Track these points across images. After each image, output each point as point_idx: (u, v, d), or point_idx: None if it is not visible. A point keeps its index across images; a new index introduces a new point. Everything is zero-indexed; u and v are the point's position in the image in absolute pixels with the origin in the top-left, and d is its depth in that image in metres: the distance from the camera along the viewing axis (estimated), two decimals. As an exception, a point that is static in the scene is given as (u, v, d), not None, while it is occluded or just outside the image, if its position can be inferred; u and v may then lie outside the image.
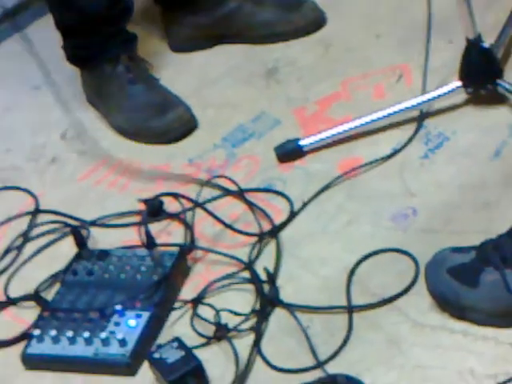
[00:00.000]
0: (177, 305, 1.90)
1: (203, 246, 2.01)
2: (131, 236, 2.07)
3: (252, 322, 1.81)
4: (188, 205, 2.10)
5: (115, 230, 2.12)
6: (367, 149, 2.12)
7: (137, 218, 2.10)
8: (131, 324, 1.84)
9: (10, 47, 2.84)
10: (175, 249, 1.97)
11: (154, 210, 2.08)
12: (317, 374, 1.67)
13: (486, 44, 2.08)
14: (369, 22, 2.46)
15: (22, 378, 1.87)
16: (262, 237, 1.98)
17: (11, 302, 2.02)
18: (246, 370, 1.73)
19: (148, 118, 2.34)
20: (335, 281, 1.84)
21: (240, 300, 1.87)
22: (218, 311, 1.83)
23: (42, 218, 2.21)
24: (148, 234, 1.97)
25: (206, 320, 1.84)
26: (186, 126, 2.33)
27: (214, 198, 2.11)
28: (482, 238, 1.71)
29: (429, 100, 2.13)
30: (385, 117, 2.13)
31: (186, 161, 2.25)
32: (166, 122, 2.32)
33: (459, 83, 2.10)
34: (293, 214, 2.03)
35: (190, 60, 2.55)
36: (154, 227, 2.04)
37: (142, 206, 2.11)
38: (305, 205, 2.04)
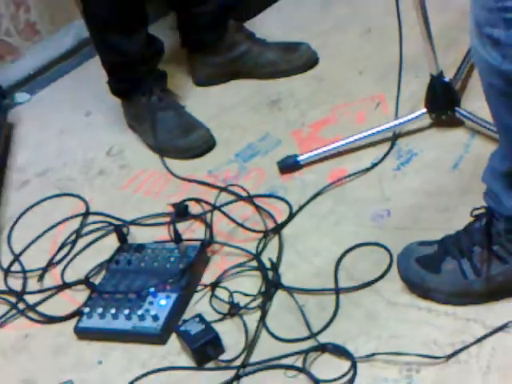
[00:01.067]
0: (199, 288, 1.90)
1: (220, 240, 2.00)
2: (162, 233, 2.06)
3: (258, 301, 1.81)
4: (208, 208, 2.09)
5: (149, 228, 2.12)
6: (351, 163, 2.11)
7: (167, 219, 2.09)
8: (162, 303, 1.84)
9: (66, 82, 2.85)
10: (197, 243, 1.96)
11: (181, 212, 2.07)
12: (310, 344, 1.68)
13: (447, 78, 2.08)
14: (353, 61, 2.46)
15: (75, 346, 1.87)
16: (266, 233, 1.98)
17: (66, 285, 2.02)
18: (254, 340, 1.73)
19: (175, 138, 2.33)
20: (325, 268, 1.84)
21: (249, 284, 1.87)
22: (231, 293, 1.83)
23: (91, 218, 2.21)
24: (176, 232, 1.97)
25: (221, 300, 1.84)
26: (206, 145, 2.32)
27: (229, 203, 2.10)
28: (443, 234, 1.71)
29: (400, 124, 2.12)
30: (365, 137, 2.13)
31: (206, 172, 2.24)
32: (190, 141, 2.31)
33: (425, 110, 2.09)
34: (292, 215, 2.02)
35: (209, 92, 2.55)
36: (181, 226, 2.03)
37: (170, 209, 2.11)
38: (301, 208, 2.03)
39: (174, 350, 1.78)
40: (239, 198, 2.10)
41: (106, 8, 2.30)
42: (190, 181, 2.21)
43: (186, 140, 2.32)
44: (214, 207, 2.08)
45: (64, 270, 2.07)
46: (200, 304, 1.87)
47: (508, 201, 1.56)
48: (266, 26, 2.70)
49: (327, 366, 1.63)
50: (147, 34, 2.39)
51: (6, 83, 2.77)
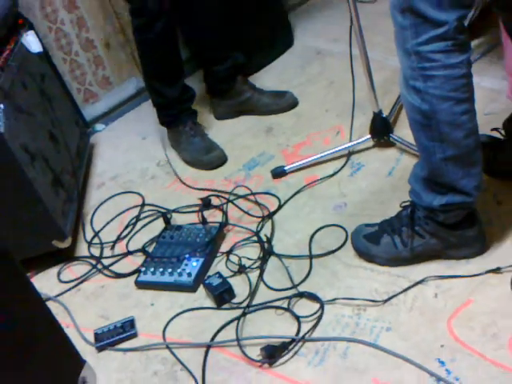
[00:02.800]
0: (218, 255, 1.90)
1: (232, 223, 2.00)
2: (194, 218, 2.06)
3: (258, 263, 1.81)
4: (224, 201, 2.08)
5: (185, 214, 2.11)
6: (320, 171, 2.10)
7: (197, 208, 2.08)
8: (194, 264, 1.84)
9: (130, 116, 2.82)
10: (217, 224, 1.96)
11: (206, 203, 2.07)
12: (293, 292, 1.68)
13: (384, 115, 2.08)
14: (321, 103, 2.44)
15: (135, 293, 1.88)
16: (263, 218, 1.97)
17: (129, 253, 2.02)
18: (255, 289, 1.74)
19: (201, 156, 2.32)
20: (303, 241, 1.84)
21: (252, 252, 1.87)
22: (240, 258, 1.83)
23: (146, 208, 2.20)
24: (203, 217, 1.97)
25: (233, 262, 1.84)
26: (220, 161, 2.30)
27: (238, 197, 2.09)
28: (381, 219, 1.71)
29: (353, 145, 2.11)
30: (330, 154, 2.12)
31: (223, 178, 2.23)
32: (210, 158, 2.30)
33: (369, 136, 2.09)
34: (280, 206, 2.01)
35: (225, 124, 2.53)
36: (206, 213, 2.03)
37: (199, 202, 2.10)
38: (286, 201, 2.02)
39: (201, 296, 1.78)
40: (245, 194, 2.09)
41: (156, 67, 2.30)
42: (199, 189, 2.19)
43: (207, 157, 2.31)
44: (229, 200, 2.08)
45: (128, 242, 2.08)
46: (219, 265, 1.87)
47: (425, 197, 1.56)
48: (263, 80, 2.70)
49: (304, 307, 1.64)
50: (184, 84, 2.38)
51: (89, 117, 2.77)
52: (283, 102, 2.47)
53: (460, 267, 1.60)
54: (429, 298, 1.56)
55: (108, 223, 2.19)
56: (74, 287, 1.97)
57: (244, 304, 1.70)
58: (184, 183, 2.26)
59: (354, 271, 1.69)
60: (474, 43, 1.42)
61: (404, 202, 1.67)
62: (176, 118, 2.39)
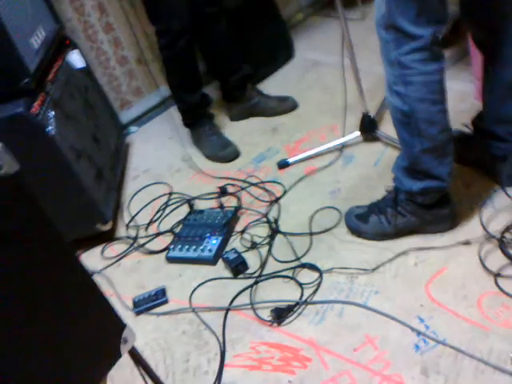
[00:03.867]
0: (234, 233, 1.90)
1: (245, 207, 2.00)
2: (213, 204, 2.06)
3: (267, 240, 1.81)
4: (238, 189, 2.08)
5: (206, 201, 2.10)
6: (318, 162, 2.09)
7: (216, 195, 2.09)
8: (213, 242, 1.84)
9: (159, 119, 2.81)
10: (233, 209, 1.96)
11: (224, 191, 2.07)
12: (296, 263, 1.68)
13: (371, 114, 2.07)
14: (318, 105, 2.43)
15: (166, 267, 1.88)
16: (271, 203, 1.97)
17: (160, 233, 2.02)
18: (265, 262, 1.74)
19: (218, 151, 2.31)
20: (304, 221, 1.84)
21: (262, 231, 1.87)
22: (252, 236, 1.84)
23: (173, 196, 2.20)
24: (221, 203, 1.97)
25: (246, 240, 1.84)
26: (235, 155, 2.29)
27: (250, 186, 2.09)
28: (369, 201, 1.71)
29: (345, 141, 2.10)
30: (326, 148, 2.11)
31: (237, 169, 2.22)
32: (226, 153, 2.29)
33: (359, 133, 2.08)
34: (285, 193, 2.00)
35: (237, 125, 2.52)
36: (224, 199, 2.03)
37: (218, 190, 2.10)
38: (290, 188, 2.02)
39: (220, 268, 1.79)
40: (256, 183, 2.09)
41: (179, 78, 2.29)
42: (217, 178, 2.18)
43: (223, 152, 2.30)
44: (242, 188, 2.08)
45: (159, 224, 2.08)
46: (234, 242, 1.87)
47: (406, 182, 1.56)
48: (269, 87, 2.68)
49: (306, 276, 1.64)
50: (202, 92, 2.37)
51: (124, 121, 2.77)
52: (286, 106, 2.46)
53: (435, 240, 1.60)
54: (410, 266, 1.56)
55: (142, 209, 2.19)
56: (115, 263, 1.98)
57: (256, 274, 1.71)
58: (205, 173, 2.25)
59: (347, 245, 1.69)
60: (446, 53, 1.41)
61: (388, 186, 1.66)
62: (197, 120, 2.38)
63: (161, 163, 2.47)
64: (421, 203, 1.57)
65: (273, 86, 2.71)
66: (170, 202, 2.17)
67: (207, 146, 2.36)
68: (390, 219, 1.62)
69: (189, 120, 2.42)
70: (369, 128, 2.07)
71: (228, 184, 2.13)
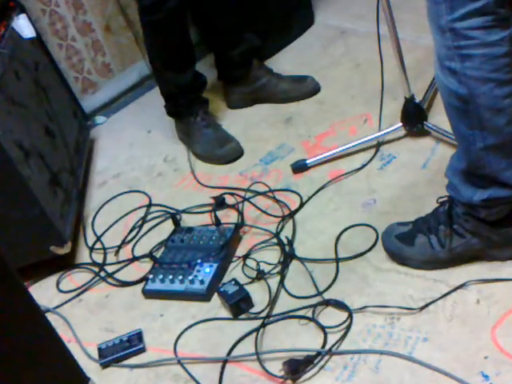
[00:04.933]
0: (234, 259, 1.90)
1: (249, 223, 2.01)
2: (206, 219, 2.06)
3: (278, 268, 1.82)
4: (240, 199, 2.09)
5: (197, 215, 2.12)
6: (346, 164, 2.10)
7: (209, 208, 2.09)
8: (207, 271, 1.85)
9: (133, 107, 2.84)
10: (232, 226, 1.97)
11: (220, 202, 2.07)
12: (318, 300, 1.68)
13: (417, 100, 2.07)
14: (346, 88, 2.44)
15: (143, 303, 1.89)
16: (283, 218, 1.97)
17: (136, 258, 2.04)
18: (275, 297, 1.74)
19: (214, 149, 2.33)
20: (328, 243, 1.84)
21: (271, 255, 1.87)
22: (258, 262, 1.84)
23: (153, 208, 2.22)
24: (216, 217, 1.98)
25: (251, 268, 1.85)
26: (236, 154, 2.31)
27: (255, 195, 2.10)
28: (415, 217, 1.71)
29: (383, 135, 2.11)
30: (356, 145, 2.12)
31: (238, 173, 2.24)
32: (225, 151, 2.31)
33: (401, 124, 2.08)
34: (302, 204, 2.01)
35: (239, 114, 2.54)
36: (220, 213, 2.03)
37: (212, 201, 2.10)
38: (309, 198, 2.03)
39: (216, 306, 1.79)
40: (263, 192, 2.10)
41: (164, 53, 2.30)
42: (211, 187, 2.20)
43: (221, 150, 2.31)
44: (244, 199, 2.08)
45: (134, 247, 2.09)
46: (235, 271, 1.87)
47: (464, 191, 1.56)
48: (281, 63, 2.70)
49: (331, 316, 1.63)
50: (195, 70, 2.39)
51: (88, 109, 2.79)
52: (303, 88, 2.47)
53: (504, 269, 1.59)
54: (470, 304, 1.55)
55: (111, 226, 2.20)
56: (75, 297, 1.98)
57: (263, 314, 1.70)
58: (195, 179, 2.27)
59: (385, 275, 1.69)
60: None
61: (441, 197, 1.66)
62: (186, 107, 2.39)
63: (136, 165, 2.48)
64: (484, 219, 1.57)
65: (286, 61, 2.72)
66: (149, 217, 2.18)
67: (200, 141, 2.37)
68: (443, 240, 1.62)
69: (175, 107, 2.43)
70: (414, 118, 2.08)
71: (226, 193, 2.13)
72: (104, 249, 2.11)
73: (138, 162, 2.48)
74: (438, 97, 2.07)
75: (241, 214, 2.03)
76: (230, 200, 2.11)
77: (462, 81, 1.40)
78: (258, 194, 2.10)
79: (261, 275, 1.80)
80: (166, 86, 2.39)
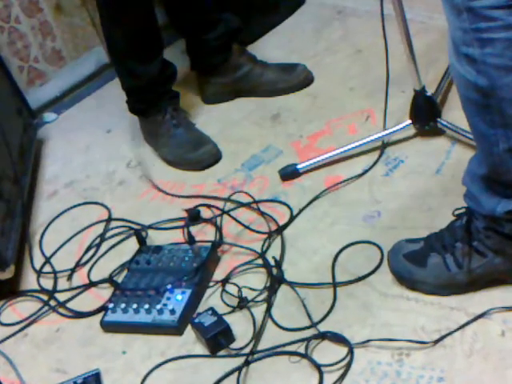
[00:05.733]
0: (211, 284, 1.90)
1: (229, 241, 2.00)
2: (177, 236, 2.06)
3: (264, 295, 1.81)
4: (218, 212, 2.09)
5: (166, 231, 2.11)
6: (345, 169, 2.11)
7: (181, 223, 2.09)
8: (178, 298, 1.84)
9: (89, 102, 2.85)
10: (209, 244, 1.96)
11: (194, 216, 2.07)
12: (312, 332, 1.68)
13: (429, 93, 2.08)
14: (344, 79, 2.45)
15: (101, 338, 1.88)
16: (270, 234, 1.97)
17: (93, 284, 2.03)
18: (261, 330, 1.73)
19: (186, 152, 2.33)
20: (323, 264, 1.84)
21: (255, 280, 1.87)
22: (240, 288, 1.83)
23: (113, 224, 2.21)
24: (189, 234, 1.97)
25: (231, 294, 1.84)
26: (213, 158, 2.31)
27: (236, 208, 2.10)
28: (428, 232, 1.71)
29: (388, 134, 2.12)
30: (357, 147, 2.13)
31: (215, 181, 2.24)
32: (199, 155, 2.31)
33: (410, 121, 2.09)
34: (292, 218, 2.02)
35: (216, 109, 2.55)
36: (194, 229, 2.04)
37: (185, 214, 2.10)
38: (300, 211, 2.03)
39: (189, 340, 1.78)
40: (245, 203, 2.10)
41: (125, 38, 2.30)
42: (183, 197, 2.22)
43: (195, 154, 2.32)
44: (223, 212, 2.08)
45: (90, 270, 2.08)
46: (212, 298, 1.87)
47: (485, 201, 1.56)
48: (266, 49, 2.71)
49: (327, 352, 1.63)
50: (163, 59, 2.39)
51: (35, 104, 2.77)
52: (293, 79, 2.48)
53: (534, 295, 1.60)
54: (493, 336, 1.55)
55: (63, 245, 2.20)
56: (19, 331, 1.97)
57: (247, 349, 1.70)
58: (163, 191, 2.27)
59: (392, 303, 1.69)
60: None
61: (457, 208, 1.66)
62: (153, 103, 2.40)
63: (93, 172, 2.47)
64: (509, 234, 1.57)
65: (273, 47, 2.72)
66: (108, 235, 2.18)
67: (169, 143, 2.38)
68: (460, 261, 1.62)
69: (140, 103, 2.43)
70: (425, 114, 2.08)
71: (202, 205, 2.14)
72: (54, 273, 2.10)
73: (95, 168, 2.48)
74: (454, 89, 2.06)
75: (219, 229, 2.03)
76: (206, 213, 2.11)
77: (481, 70, 1.40)
78: (239, 205, 2.10)
79: (243, 303, 1.80)
80: (128, 78, 2.39)
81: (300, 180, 2.14)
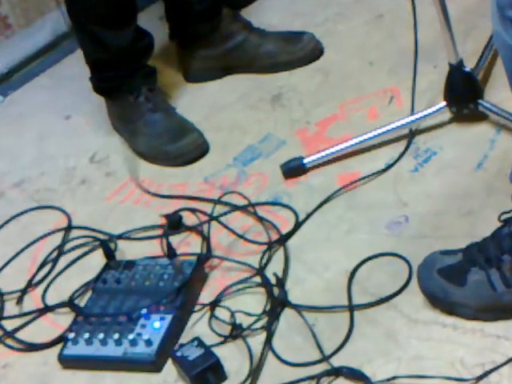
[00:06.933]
0: (196, 308, 1.89)
1: (219, 254, 2.00)
2: (154, 247, 2.07)
3: (264, 321, 1.80)
4: (204, 218, 2.09)
5: (140, 242, 2.12)
6: (364, 164, 2.11)
7: (159, 232, 2.10)
8: (156, 326, 1.83)
9: (43, 81, 2.85)
10: (194, 258, 1.96)
11: (174, 223, 2.08)
12: (323, 367, 1.67)
13: (467, 68, 2.08)
14: (362, 50, 2.46)
15: (60, 376, 1.87)
16: (270, 245, 1.97)
17: (49, 309, 2.02)
18: (260, 365, 1.73)
19: (165, 144, 2.33)
20: (337, 283, 1.84)
21: (253, 302, 1.87)
22: (233, 313, 1.83)
23: (74, 233, 2.21)
24: (169, 246, 1.96)
25: (222, 321, 1.83)
26: (198, 150, 2.32)
27: (228, 212, 2.10)
28: (468, 242, 1.70)
29: (417, 119, 2.12)
30: (379, 135, 2.13)
31: (201, 179, 2.25)
32: (181, 146, 2.32)
33: (444, 103, 2.09)
34: (298, 225, 2.02)
35: (202, 89, 2.55)
36: (175, 239, 2.03)
37: (163, 221, 2.10)
38: (308, 216, 2.03)
39: (170, 378, 1.78)
40: (239, 206, 2.10)
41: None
42: (162, 197, 2.23)
43: (176, 146, 2.32)
44: (212, 218, 2.08)
45: (45, 291, 2.07)
46: (198, 326, 1.86)
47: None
48: (265, 13, 2.71)
49: (342, 393, 1.64)
50: (136, 26, 2.39)
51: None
52: (298, 51, 2.49)
53: None
54: (551, 371, 1.56)
55: (11, 260, 2.19)
56: (-44, 368, 1.97)
57: (242, 389, 1.71)
58: (138, 189, 2.28)
59: (423, 330, 1.68)
60: None
61: (504, 212, 1.67)
62: (123, 81, 2.41)
63: (49, 168, 2.47)
64: None
65: (272, 11, 2.72)
66: (68, 247, 2.18)
67: (143, 132, 2.38)
68: (508, 277, 1.62)
69: (108, 81, 2.44)
70: (464, 95, 2.09)
71: (184, 209, 2.14)
72: (0, 295, 2.10)
73: (51, 164, 2.48)
74: (499, 63, 2.07)
75: (206, 239, 2.03)
76: (189, 219, 2.11)
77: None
78: (231, 209, 2.10)
79: (237, 332, 1.80)
80: (93, 50, 2.39)
81: (307, 177, 2.14)
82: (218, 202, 2.13)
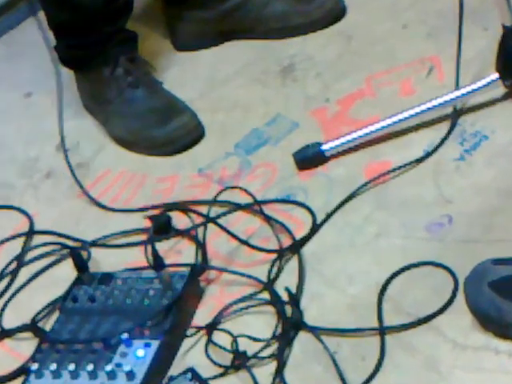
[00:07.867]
0: (190, 332, 1.90)
1: (217, 265, 2.01)
2: (137, 257, 2.07)
3: (273, 348, 1.80)
4: (199, 220, 2.10)
5: (119, 250, 2.12)
6: (396, 152, 2.11)
7: (143, 237, 2.10)
8: (139, 354, 1.83)
9: (1, 50, 2.85)
10: (186, 269, 1.96)
11: (162, 226, 2.08)
12: (348, 405, 1.68)
13: (525, 32, 2.08)
14: (394, 10, 2.47)
15: (20, 418, 1.88)
16: (281, 253, 1.97)
17: (6, 333, 2.02)
18: (270, 403, 1.73)
19: (149, 127, 2.34)
20: (365, 299, 1.84)
21: (260, 324, 1.87)
22: (235, 337, 1.82)
23: (37, 239, 2.22)
24: (155, 254, 1.94)
25: (222, 348, 1.83)
26: (191, 135, 2.33)
27: (228, 212, 2.10)
28: (527, 248, 1.70)
29: (463, 95, 2.11)
30: (415, 115, 2.13)
31: (195, 171, 2.25)
32: (170, 130, 2.32)
33: (496, 75, 2.08)
34: (316, 227, 2.02)
35: (196, 59, 2.57)
36: (162, 246, 2.04)
37: (147, 223, 2.10)
38: (329, 216, 2.03)
39: (158, 420, 1.78)
40: (242, 205, 2.11)
41: None
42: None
43: (163, 130, 2.33)
44: (208, 219, 2.08)
45: (2, 311, 2.08)
46: (192, 354, 1.86)
47: None
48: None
49: None
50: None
51: None
52: (314, 10, 2.50)
53: None
54: None
55: (-41, 273, 2.20)
56: None
57: (247, 434, 1.70)
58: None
59: (472, 358, 1.68)
60: None
61: None
62: (97, 49, 2.41)
63: (5, 159, 2.49)
64: None
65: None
66: (30, 256, 2.18)
67: (123, 112, 2.40)
68: None
69: (77, 50, 2.45)
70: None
71: (174, 208, 2.14)
72: None
73: (8, 153, 2.50)
74: None
75: (201, 246, 2.03)
76: (180, 221, 2.12)
77: None
78: (232, 209, 2.10)
79: (241, 361, 1.79)
80: (59, 10, 2.40)
81: (326, 168, 2.14)
82: (215, 200, 2.14)
